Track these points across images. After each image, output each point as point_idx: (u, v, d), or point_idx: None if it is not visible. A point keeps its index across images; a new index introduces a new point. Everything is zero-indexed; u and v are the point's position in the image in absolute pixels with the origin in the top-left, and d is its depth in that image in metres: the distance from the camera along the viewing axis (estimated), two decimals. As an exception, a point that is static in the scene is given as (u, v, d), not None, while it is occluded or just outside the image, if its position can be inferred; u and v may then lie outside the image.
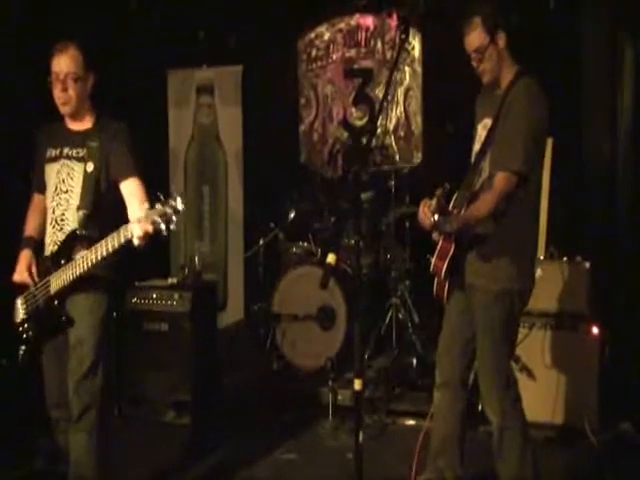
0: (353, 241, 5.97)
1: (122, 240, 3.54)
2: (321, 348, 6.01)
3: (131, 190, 3.87)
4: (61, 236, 3.89)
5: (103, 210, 3.86)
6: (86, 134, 3.94)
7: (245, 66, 7.56)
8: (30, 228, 4.09)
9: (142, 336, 5.49)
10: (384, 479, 4.30)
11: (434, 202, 3.58)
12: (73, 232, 3.85)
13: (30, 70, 5.55)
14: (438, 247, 3.85)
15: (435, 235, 3.88)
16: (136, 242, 3.53)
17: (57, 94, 3.90)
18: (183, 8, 7.39)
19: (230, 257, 7.61)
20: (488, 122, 3.86)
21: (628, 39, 5.77)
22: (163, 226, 3.42)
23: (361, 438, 2.93)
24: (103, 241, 3.61)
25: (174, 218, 3.42)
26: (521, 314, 3.93)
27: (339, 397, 5.51)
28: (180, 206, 3.43)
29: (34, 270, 3.94)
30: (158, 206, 3.43)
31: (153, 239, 3.57)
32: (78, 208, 3.85)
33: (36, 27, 5.95)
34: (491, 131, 3.81)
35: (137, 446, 5.06)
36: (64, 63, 3.86)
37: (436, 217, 3.56)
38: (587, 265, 5.25)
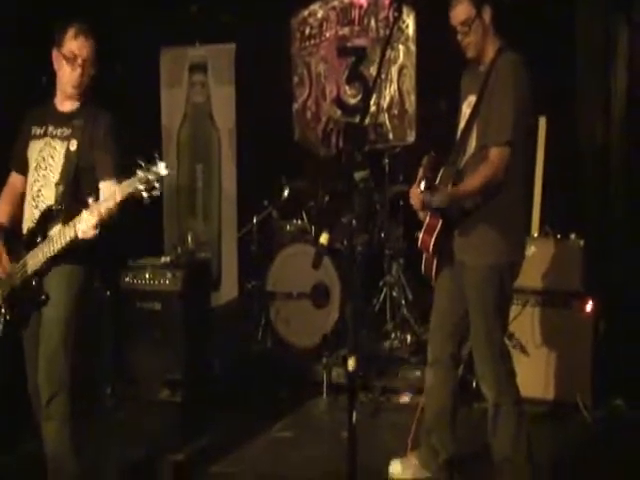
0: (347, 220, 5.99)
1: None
2: (315, 326, 6.02)
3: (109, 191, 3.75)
4: (37, 213, 3.82)
5: (82, 187, 3.80)
6: (72, 114, 3.90)
7: (238, 44, 7.51)
8: (1, 211, 4.02)
9: (135, 315, 5.50)
10: (379, 456, 4.29)
11: (420, 171, 3.59)
12: (48, 208, 3.78)
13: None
14: (425, 223, 3.86)
15: (421, 214, 3.90)
16: (80, 235, 3.53)
17: (73, 77, 3.83)
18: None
19: (224, 235, 7.58)
20: (473, 99, 3.86)
21: (622, 20, 5.75)
22: (145, 193, 3.39)
23: (355, 418, 2.92)
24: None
25: (157, 184, 3.38)
26: (512, 287, 3.93)
27: (333, 374, 5.52)
28: (163, 171, 3.38)
29: (4, 258, 3.86)
30: (139, 172, 3.39)
31: (136, 207, 3.53)
32: (57, 184, 3.79)
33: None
34: (475, 107, 3.82)
35: (131, 425, 5.07)
36: (89, 49, 3.82)
37: (422, 186, 3.58)
38: (581, 243, 5.26)
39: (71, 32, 3.84)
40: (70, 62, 3.83)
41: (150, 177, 3.37)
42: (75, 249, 3.67)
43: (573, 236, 5.34)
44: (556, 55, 6.19)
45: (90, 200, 3.57)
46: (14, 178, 4.07)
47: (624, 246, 5.48)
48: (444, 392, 4.09)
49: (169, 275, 5.46)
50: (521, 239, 3.95)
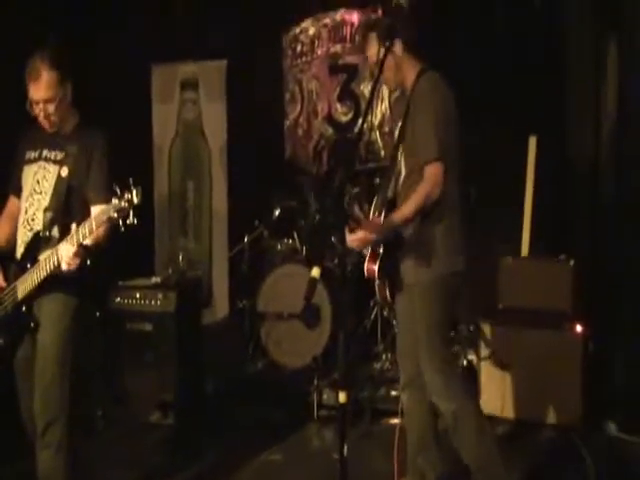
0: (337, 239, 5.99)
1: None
2: (306, 347, 6.02)
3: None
4: (30, 236, 3.83)
5: (71, 214, 3.79)
6: (66, 137, 3.90)
7: (229, 61, 7.51)
8: None
9: (126, 336, 5.48)
10: (370, 479, 4.30)
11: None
12: (37, 233, 3.79)
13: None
14: (368, 251, 3.89)
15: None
16: (64, 267, 3.55)
17: (41, 120, 3.85)
18: (167, 2, 7.35)
19: (215, 253, 7.57)
20: (400, 123, 3.96)
21: (612, 37, 5.77)
22: (120, 221, 3.39)
23: (346, 448, 2.92)
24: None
25: (131, 212, 3.37)
26: (457, 298, 3.98)
27: (324, 396, 5.52)
28: (136, 199, 3.39)
29: (0, 281, 3.87)
30: (114, 200, 3.39)
31: (114, 235, 3.58)
32: (45, 209, 3.80)
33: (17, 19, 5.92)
34: (401, 131, 3.92)
35: (121, 447, 5.06)
36: (41, 91, 3.77)
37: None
38: (571, 263, 5.28)
39: (26, 75, 3.80)
40: (33, 107, 3.83)
41: (124, 205, 3.38)
42: (66, 276, 3.66)
43: (563, 256, 5.37)
44: (545, 75, 6.22)
45: (73, 227, 3.59)
46: (12, 202, 4.09)
47: (614, 266, 5.47)
48: (423, 411, 4.09)
49: (160, 296, 5.45)
50: (461, 248, 3.95)
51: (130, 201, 3.37)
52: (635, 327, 5.18)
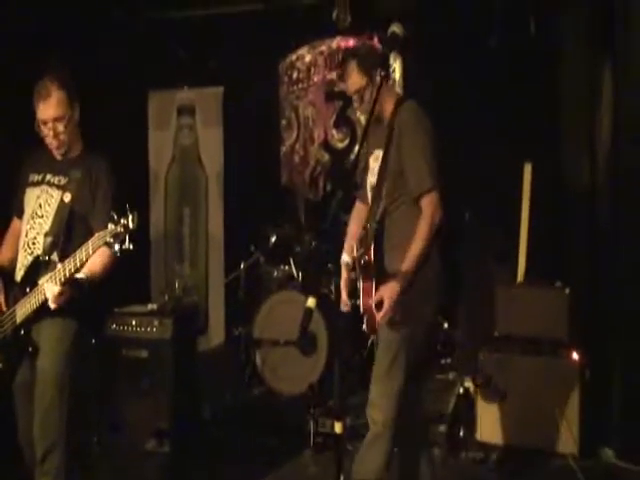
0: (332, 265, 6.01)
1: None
2: (302, 374, 6.00)
3: (103, 251, 3.73)
4: (31, 260, 3.84)
5: (72, 239, 3.81)
6: (71, 163, 3.92)
7: (226, 87, 7.55)
8: (2, 257, 4.06)
9: (121, 363, 5.46)
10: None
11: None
12: (36, 257, 3.81)
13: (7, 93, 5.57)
14: (360, 287, 3.83)
15: (351, 275, 3.94)
16: (51, 305, 3.57)
17: (49, 141, 3.87)
18: (164, 29, 7.38)
19: (211, 280, 7.58)
20: (379, 154, 3.91)
21: (606, 63, 5.80)
22: (117, 247, 3.40)
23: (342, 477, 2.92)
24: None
25: (127, 237, 3.39)
26: (425, 344, 3.94)
27: (320, 424, 5.48)
28: (132, 224, 3.40)
29: (2, 300, 3.89)
30: (110, 226, 3.41)
31: (112, 270, 3.64)
32: (46, 234, 3.81)
33: (15, 47, 5.94)
34: (383, 162, 3.86)
35: (117, 475, 5.02)
36: (51, 110, 3.81)
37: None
38: (567, 291, 5.28)
39: (35, 95, 3.85)
40: (41, 128, 3.86)
41: (120, 230, 3.39)
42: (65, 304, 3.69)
43: (559, 283, 5.37)
44: (541, 101, 6.26)
45: (59, 266, 3.61)
46: (15, 224, 4.11)
47: (610, 294, 5.47)
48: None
49: (156, 322, 5.43)
50: (436, 298, 3.92)
51: (126, 226, 3.38)
52: (632, 354, 5.17)
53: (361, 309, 3.85)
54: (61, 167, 3.93)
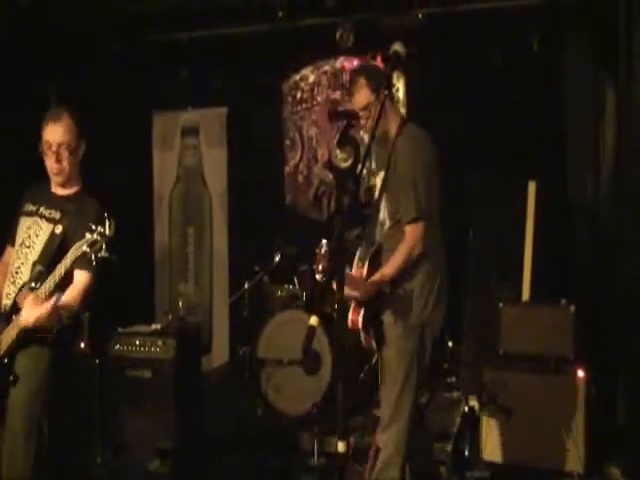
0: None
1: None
2: (306, 393, 5.97)
3: (77, 280, 3.82)
4: (13, 289, 3.85)
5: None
6: (66, 200, 3.95)
7: (230, 108, 7.57)
8: None
9: (125, 383, 5.43)
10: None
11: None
12: (22, 286, 3.80)
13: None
14: (352, 305, 3.92)
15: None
16: (29, 320, 3.59)
17: (50, 164, 3.89)
18: (169, 49, 7.41)
19: (215, 299, 7.56)
20: (382, 174, 4.02)
21: (609, 80, 5.81)
22: (92, 255, 3.41)
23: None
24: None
25: (104, 245, 3.42)
26: (432, 345, 4.02)
27: (324, 443, 5.46)
28: (109, 231, 3.41)
29: None
30: (87, 235, 3.43)
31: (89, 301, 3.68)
32: (35, 262, 3.81)
33: (17, 70, 5.98)
34: (383, 183, 4.00)
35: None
36: (59, 133, 3.84)
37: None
38: (572, 308, 5.26)
39: (46, 117, 3.89)
40: (45, 151, 3.88)
41: (96, 238, 3.40)
42: (42, 332, 3.72)
43: (564, 301, 5.34)
44: (544, 120, 6.26)
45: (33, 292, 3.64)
46: (8, 252, 4.12)
47: (616, 311, 5.45)
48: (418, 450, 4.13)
49: (159, 342, 5.41)
50: (441, 296, 4.02)
51: (103, 234, 3.40)
52: (637, 372, 5.14)
53: (349, 324, 3.91)
54: (57, 202, 3.96)
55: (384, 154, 4.02)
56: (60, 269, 3.56)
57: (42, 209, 3.95)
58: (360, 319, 3.89)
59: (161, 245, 7.74)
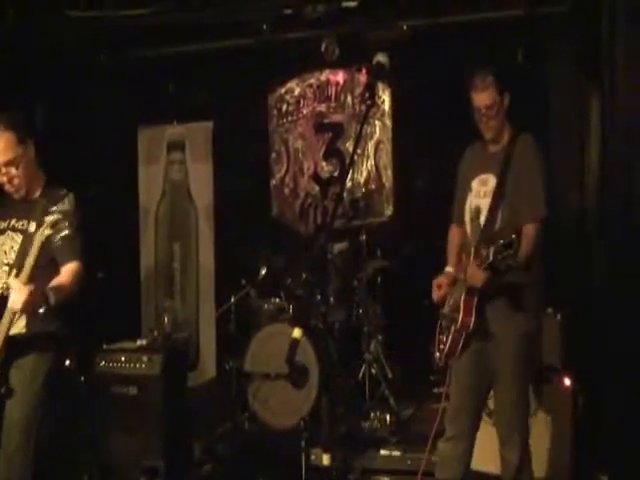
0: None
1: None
2: (294, 407, 5.93)
3: (66, 268, 3.80)
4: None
5: (37, 274, 3.74)
6: (34, 203, 3.88)
7: (215, 122, 7.56)
8: None
9: (111, 400, 5.39)
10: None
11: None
12: (1, 295, 3.76)
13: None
14: (461, 303, 3.87)
15: (438, 295, 4.06)
16: (16, 307, 3.56)
17: (4, 185, 3.86)
18: (154, 64, 7.40)
19: (201, 314, 7.52)
20: (489, 178, 4.02)
21: (594, 92, 5.82)
22: (56, 236, 3.48)
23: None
24: None
25: (66, 223, 3.51)
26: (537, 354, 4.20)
27: (312, 457, 5.42)
28: (68, 206, 3.40)
29: None
30: (47, 218, 3.44)
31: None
32: (11, 266, 3.78)
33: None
34: (499, 188, 3.95)
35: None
36: (0, 155, 3.76)
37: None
38: (559, 317, 5.25)
39: None
40: None
41: (57, 217, 3.39)
42: (35, 338, 3.71)
43: (551, 310, 5.33)
44: (529, 127, 6.25)
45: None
46: None
47: (603, 320, 5.44)
48: (461, 464, 4.11)
49: (145, 359, 5.37)
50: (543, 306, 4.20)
51: (62, 211, 3.39)
52: (624, 380, 5.13)
53: (459, 325, 3.86)
54: (25, 210, 3.89)
55: (490, 158, 4.06)
56: (30, 258, 3.54)
57: (13, 221, 3.91)
58: (472, 321, 3.84)
59: (147, 261, 7.70)
